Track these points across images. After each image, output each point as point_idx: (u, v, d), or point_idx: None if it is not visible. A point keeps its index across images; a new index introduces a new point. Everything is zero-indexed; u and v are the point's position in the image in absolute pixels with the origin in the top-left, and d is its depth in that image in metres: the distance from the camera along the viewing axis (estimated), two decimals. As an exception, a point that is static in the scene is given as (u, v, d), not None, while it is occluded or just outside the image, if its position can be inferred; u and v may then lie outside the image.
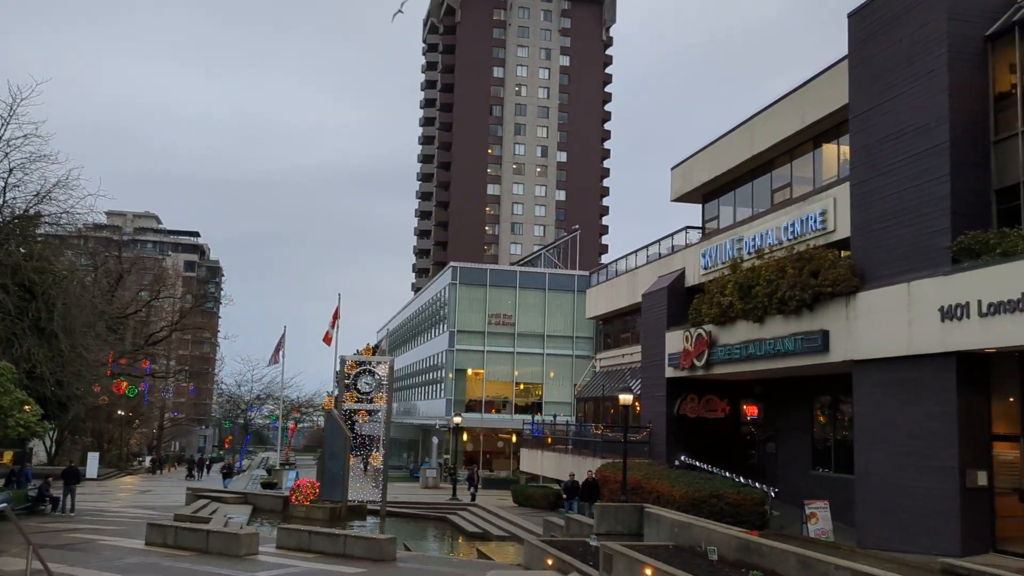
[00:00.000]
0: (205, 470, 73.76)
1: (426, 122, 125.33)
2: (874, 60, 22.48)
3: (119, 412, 68.55)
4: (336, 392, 37.97)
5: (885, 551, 19.14)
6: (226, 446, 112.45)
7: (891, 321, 20.79)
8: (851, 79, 23.45)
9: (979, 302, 18.09)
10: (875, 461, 21.32)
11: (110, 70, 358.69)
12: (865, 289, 21.92)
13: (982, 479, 18.84)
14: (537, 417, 53.28)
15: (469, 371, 61.31)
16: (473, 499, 40.56)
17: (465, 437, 59.70)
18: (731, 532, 15.10)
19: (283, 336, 59.99)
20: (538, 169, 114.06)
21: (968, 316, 18.38)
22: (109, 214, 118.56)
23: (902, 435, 20.44)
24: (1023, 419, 18.72)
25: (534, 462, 44.84)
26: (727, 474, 27.29)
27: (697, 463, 29.26)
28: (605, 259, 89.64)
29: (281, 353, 60.04)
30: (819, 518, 21.54)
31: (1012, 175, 19.68)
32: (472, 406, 60.87)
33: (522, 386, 62.29)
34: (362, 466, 32.86)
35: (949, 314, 18.90)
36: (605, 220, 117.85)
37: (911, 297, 20.15)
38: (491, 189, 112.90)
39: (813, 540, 20.69)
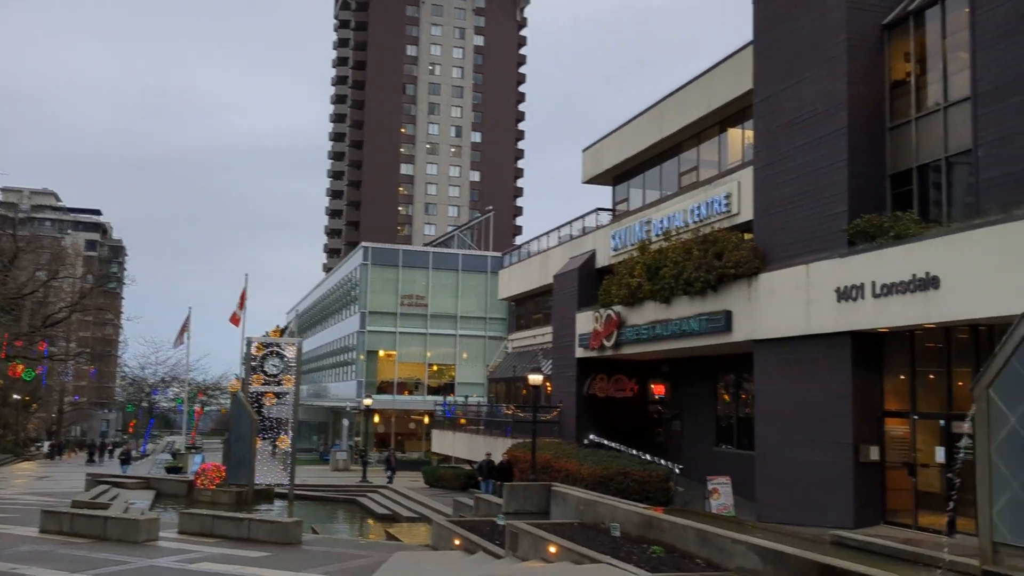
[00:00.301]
0: (107, 455, 71.53)
1: (338, 100, 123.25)
2: (778, 46, 22.96)
3: (15, 396, 65.93)
4: (243, 374, 37.21)
5: (783, 525, 19.74)
6: (130, 430, 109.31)
7: (790, 302, 21.37)
8: (755, 64, 23.92)
9: (873, 283, 18.73)
10: (774, 438, 21.95)
11: (10, 42, 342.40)
12: (767, 271, 22.48)
13: (874, 454, 19.58)
14: (449, 398, 53.25)
15: (381, 352, 60.82)
16: (390, 482, 40.30)
17: (377, 419, 59.28)
18: (634, 509, 15.36)
19: (188, 318, 58.47)
20: (452, 149, 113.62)
21: (863, 297, 19.02)
22: (4, 191, 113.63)
23: (800, 412, 21.08)
24: (913, 396, 19.49)
25: (446, 443, 44.84)
26: (634, 452, 27.76)
27: (605, 442, 29.68)
28: (519, 240, 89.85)
29: (186, 335, 58.55)
30: (721, 494, 22.10)
31: (905, 160, 20.39)
32: (384, 388, 60.45)
33: (435, 367, 62.13)
34: (270, 449, 32.29)
35: (845, 295, 19.52)
36: (519, 201, 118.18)
37: (809, 279, 20.75)
38: (404, 169, 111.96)
39: (715, 515, 21.23)
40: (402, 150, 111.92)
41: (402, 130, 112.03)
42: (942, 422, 18.31)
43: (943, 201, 19.73)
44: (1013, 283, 15.20)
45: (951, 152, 19.25)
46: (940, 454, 18.12)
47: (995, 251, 15.94)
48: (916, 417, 19.27)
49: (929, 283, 17.28)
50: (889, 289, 18.28)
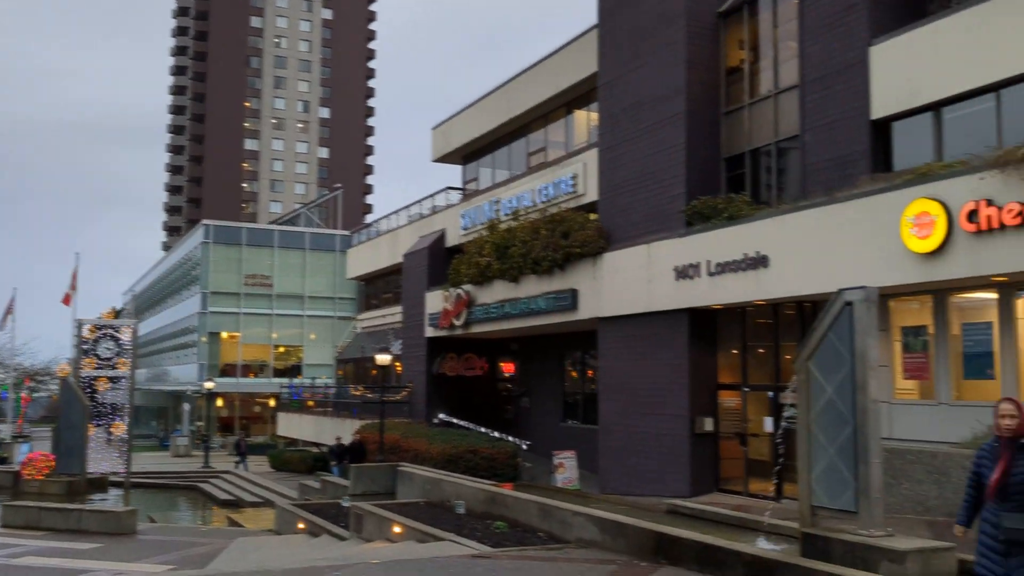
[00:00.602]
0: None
1: (178, 71, 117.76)
2: (621, 30, 23.46)
3: None
4: (74, 358, 35.18)
5: (625, 496, 20.43)
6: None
7: (633, 280, 22.01)
8: (600, 47, 24.37)
9: (708, 262, 19.53)
10: (617, 411, 22.62)
11: None
12: (611, 250, 23.04)
13: (709, 425, 20.49)
14: (297, 380, 52.17)
15: (224, 334, 58.82)
16: (242, 467, 39.07)
17: (220, 403, 57.42)
18: (479, 486, 15.46)
19: (12, 299, 54.80)
20: (300, 125, 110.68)
21: (699, 275, 19.81)
22: None
23: (641, 386, 21.78)
24: (744, 370, 20.49)
25: (293, 426, 43.93)
26: (483, 430, 28.02)
27: (455, 420, 29.81)
28: (370, 219, 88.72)
29: (11, 317, 54.83)
30: (566, 468, 22.60)
31: (740, 145, 21.30)
32: (227, 371, 58.56)
33: (281, 349, 60.65)
34: (104, 436, 30.72)
35: (683, 273, 20.27)
36: (370, 179, 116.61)
37: (650, 258, 21.41)
38: (249, 144, 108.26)
39: (560, 489, 21.72)
40: (246, 125, 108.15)
41: (246, 104, 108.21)
42: (770, 394, 19.32)
43: (773, 184, 20.74)
44: (833, 262, 16.17)
45: (781, 137, 20.24)
46: (768, 424, 19.13)
47: (818, 231, 16.90)
48: (747, 389, 20.27)
49: (759, 262, 18.16)
50: (723, 267, 19.11)
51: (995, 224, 13.72)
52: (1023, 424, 6.27)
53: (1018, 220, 13.40)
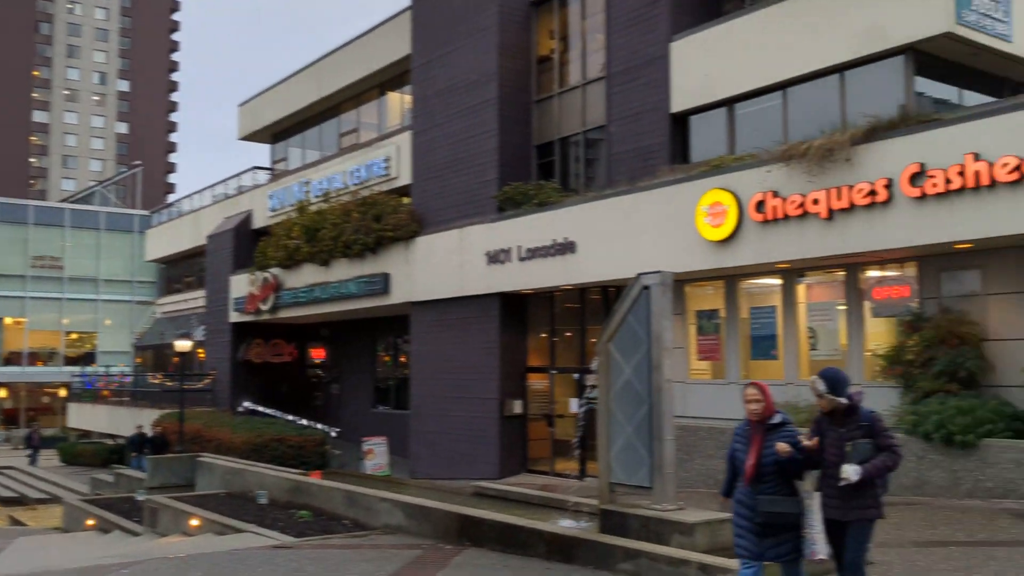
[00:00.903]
0: None
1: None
2: (435, 13, 23.33)
3: None
4: None
5: (436, 480, 20.44)
6: None
7: (446, 264, 22.01)
8: (413, 29, 24.15)
9: (519, 247, 19.81)
10: (428, 396, 22.61)
11: None
12: (424, 234, 22.94)
13: (518, 407, 20.84)
14: (90, 368, 48.92)
15: (7, 320, 54.27)
16: (33, 463, 36.19)
17: (3, 393, 53.06)
18: (283, 475, 15.03)
19: None
20: (95, 97, 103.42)
21: (510, 260, 20.06)
22: None
23: (453, 371, 21.85)
24: (552, 353, 20.96)
25: (86, 417, 41.15)
26: (291, 417, 27.30)
27: (261, 408, 28.88)
28: (172, 199, 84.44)
29: None
30: (376, 454, 22.36)
31: (550, 132, 21.70)
32: (12, 359, 54.18)
33: (73, 335, 56.67)
34: None
35: (494, 258, 20.46)
36: (173, 157, 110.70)
37: (463, 242, 21.48)
38: (38, 116, 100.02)
39: (371, 476, 21.48)
40: (35, 95, 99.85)
41: (35, 73, 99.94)
42: (577, 376, 19.86)
43: (582, 172, 21.26)
44: (636, 248, 16.78)
45: (589, 127, 20.76)
46: (574, 405, 19.66)
47: (621, 219, 17.49)
48: (555, 372, 20.75)
49: (567, 247, 18.60)
50: (533, 253, 19.44)
51: (780, 214, 14.65)
52: (768, 407, 6.38)
53: (800, 211, 14.36)
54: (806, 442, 6.26)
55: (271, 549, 11.03)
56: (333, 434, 25.71)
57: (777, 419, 6.40)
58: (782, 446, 6.18)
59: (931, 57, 14.85)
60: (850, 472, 6.00)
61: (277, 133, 33.57)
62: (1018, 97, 13.33)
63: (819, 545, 6.13)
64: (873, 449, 6.12)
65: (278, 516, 12.89)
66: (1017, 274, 13.16)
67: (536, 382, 21.22)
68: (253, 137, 34.67)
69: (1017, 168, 11.86)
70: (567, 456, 19.40)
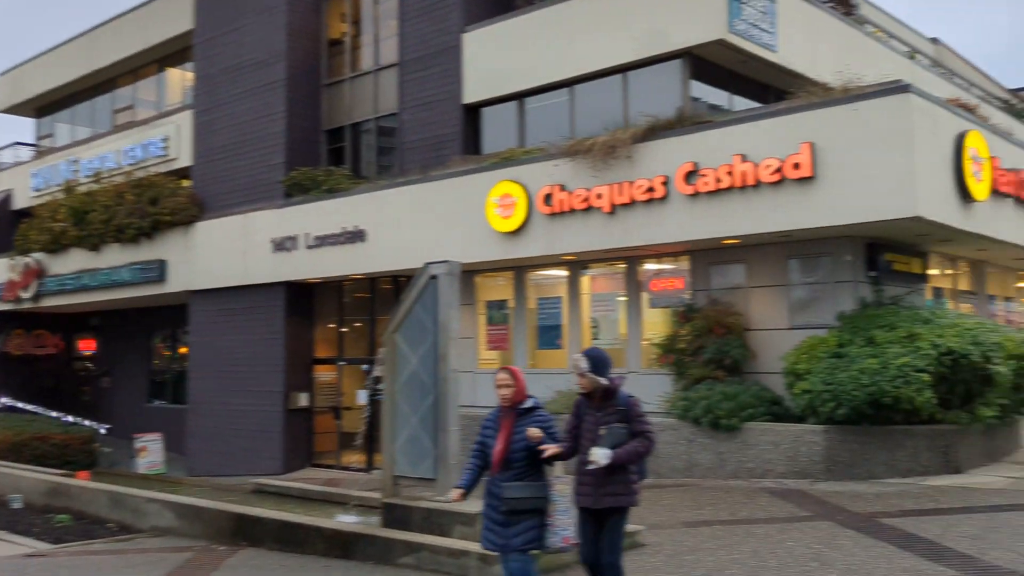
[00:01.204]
0: None
1: None
2: (220, -13, 22.19)
3: None
4: None
5: (215, 477, 19.51)
6: None
7: (229, 251, 21.04)
8: (197, 3, 22.91)
9: (307, 235, 19.23)
10: (208, 390, 21.56)
11: None
12: (205, 219, 21.83)
13: (304, 400, 20.26)
14: None
15: None
16: None
17: None
18: (40, 476, 13.80)
19: None
20: None
21: (297, 248, 19.44)
22: None
23: (236, 363, 20.94)
24: (341, 343, 20.53)
25: None
26: (55, 414, 25.25)
27: (20, 404, 26.48)
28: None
29: None
30: (150, 451, 21.08)
31: (340, 118, 21.21)
32: None
33: None
34: None
35: (280, 246, 19.77)
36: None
37: (247, 228, 20.60)
38: None
39: (144, 475, 20.23)
40: None
41: None
42: (365, 367, 19.53)
43: (374, 160, 20.91)
44: (427, 238, 16.69)
45: (381, 114, 20.44)
46: (362, 396, 19.32)
47: (412, 208, 17.36)
48: (343, 363, 20.34)
49: (357, 236, 18.24)
50: (322, 241, 18.93)
51: (566, 208, 15.01)
52: (519, 392, 6.29)
53: (585, 204, 14.77)
54: (550, 451, 5.97)
55: (23, 558, 10.10)
56: (103, 431, 24.00)
57: (529, 404, 6.27)
58: (533, 431, 5.99)
59: (706, 63, 15.69)
60: (599, 456, 5.82)
61: (43, 107, 30.91)
62: (780, 104, 14.33)
63: (570, 531, 5.99)
64: (627, 434, 5.96)
65: (34, 521, 11.81)
66: (776, 269, 14.17)
67: (324, 374, 20.70)
68: (15, 110, 31.78)
69: (778, 170, 12.73)
70: (354, 449, 19.07)
